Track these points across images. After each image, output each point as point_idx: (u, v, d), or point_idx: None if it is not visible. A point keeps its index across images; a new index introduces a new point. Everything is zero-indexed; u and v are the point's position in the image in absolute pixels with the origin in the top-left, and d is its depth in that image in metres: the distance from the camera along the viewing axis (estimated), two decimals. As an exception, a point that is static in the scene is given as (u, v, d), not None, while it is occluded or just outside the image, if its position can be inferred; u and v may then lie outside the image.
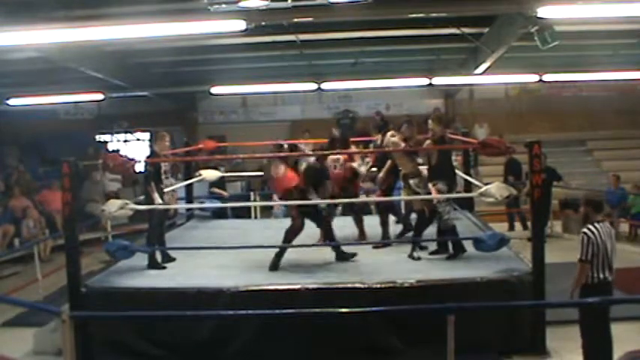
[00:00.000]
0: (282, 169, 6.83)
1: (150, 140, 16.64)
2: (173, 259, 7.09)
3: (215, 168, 10.73)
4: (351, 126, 15.95)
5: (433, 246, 7.15)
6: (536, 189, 6.03)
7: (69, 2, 7.54)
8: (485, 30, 10.62)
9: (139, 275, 6.58)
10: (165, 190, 7.26)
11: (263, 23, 8.58)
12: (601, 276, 5.09)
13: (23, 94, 13.66)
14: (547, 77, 13.66)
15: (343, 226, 8.11)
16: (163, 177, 7.12)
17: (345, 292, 5.89)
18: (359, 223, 8.02)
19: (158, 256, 7.01)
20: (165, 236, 7.49)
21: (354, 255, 6.86)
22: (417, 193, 7.06)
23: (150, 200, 6.88)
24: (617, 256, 5.26)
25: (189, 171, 10.29)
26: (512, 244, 6.91)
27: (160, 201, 6.95)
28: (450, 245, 6.93)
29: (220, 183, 11.16)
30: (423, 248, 7.14)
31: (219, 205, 10.45)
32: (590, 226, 5.11)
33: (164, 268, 6.83)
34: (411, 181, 7.11)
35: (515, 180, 11.69)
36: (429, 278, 6.09)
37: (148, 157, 7.38)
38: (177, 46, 10.88)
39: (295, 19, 8.72)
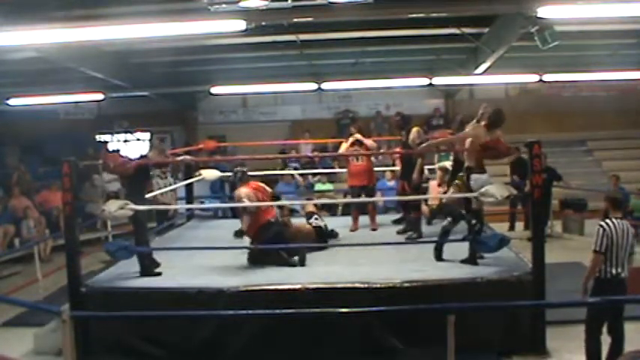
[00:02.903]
0: None
1: (150, 141, 16.65)
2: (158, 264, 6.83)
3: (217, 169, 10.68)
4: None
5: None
6: (536, 189, 6.03)
7: (69, 2, 7.53)
8: (486, 30, 10.61)
9: (139, 275, 6.55)
10: (159, 190, 7.20)
11: (263, 23, 8.58)
12: (614, 271, 5.13)
13: (23, 94, 13.63)
14: (547, 77, 13.65)
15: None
16: (162, 177, 7.06)
17: (345, 292, 5.88)
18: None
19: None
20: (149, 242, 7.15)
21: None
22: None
23: (139, 202, 6.53)
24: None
25: (190, 171, 10.27)
26: (512, 244, 6.91)
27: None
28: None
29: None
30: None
31: (218, 205, 10.44)
32: (607, 220, 5.21)
33: (159, 274, 6.59)
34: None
35: (520, 179, 11.63)
36: (429, 278, 6.08)
37: (137, 159, 6.93)
38: (177, 46, 10.86)
39: (295, 19, 8.72)
